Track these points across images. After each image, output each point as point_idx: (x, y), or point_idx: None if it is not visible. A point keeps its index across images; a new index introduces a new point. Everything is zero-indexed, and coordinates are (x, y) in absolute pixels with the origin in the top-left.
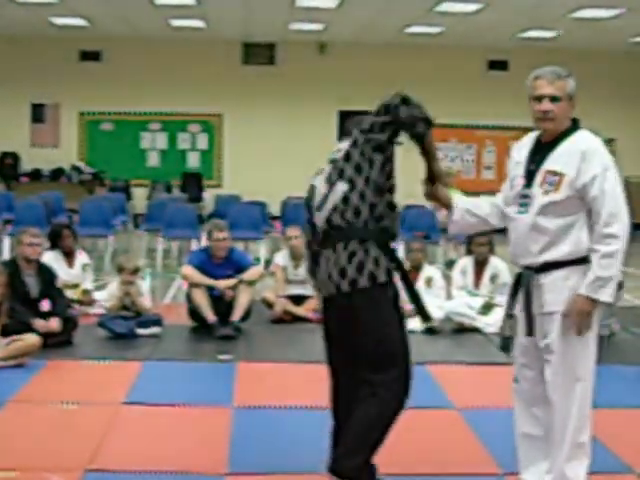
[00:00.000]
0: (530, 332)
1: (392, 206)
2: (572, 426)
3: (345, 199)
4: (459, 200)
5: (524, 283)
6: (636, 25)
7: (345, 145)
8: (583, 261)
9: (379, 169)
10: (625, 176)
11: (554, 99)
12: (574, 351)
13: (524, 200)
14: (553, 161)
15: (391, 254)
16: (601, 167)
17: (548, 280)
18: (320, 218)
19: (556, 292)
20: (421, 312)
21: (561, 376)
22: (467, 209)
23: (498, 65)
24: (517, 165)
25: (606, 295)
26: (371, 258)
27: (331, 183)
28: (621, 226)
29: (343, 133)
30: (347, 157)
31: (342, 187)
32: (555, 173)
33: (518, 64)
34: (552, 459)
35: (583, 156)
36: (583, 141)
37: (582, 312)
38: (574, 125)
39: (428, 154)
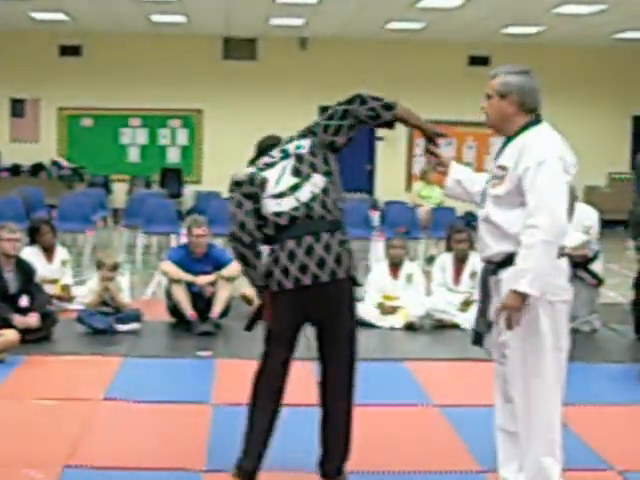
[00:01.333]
0: (485, 328)
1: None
2: (537, 422)
3: (326, 190)
4: (455, 168)
5: (482, 278)
6: (619, 21)
7: (306, 142)
8: None
9: (336, 167)
10: (608, 172)
11: (487, 96)
12: (528, 347)
13: (483, 196)
14: (504, 156)
15: None
16: (536, 160)
17: (505, 275)
18: (284, 205)
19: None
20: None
21: (517, 372)
22: (459, 180)
23: (480, 61)
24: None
25: (522, 286)
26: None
27: (303, 176)
28: (545, 218)
29: (262, 146)
30: (313, 152)
31: (322, 179)
32: (503, 168)
33: (500, 60)
34: (522, 456)
35: (522, 149)
36: (529, 135)
37: (506, 306)
38: (533, 121)
39: (408, 122)
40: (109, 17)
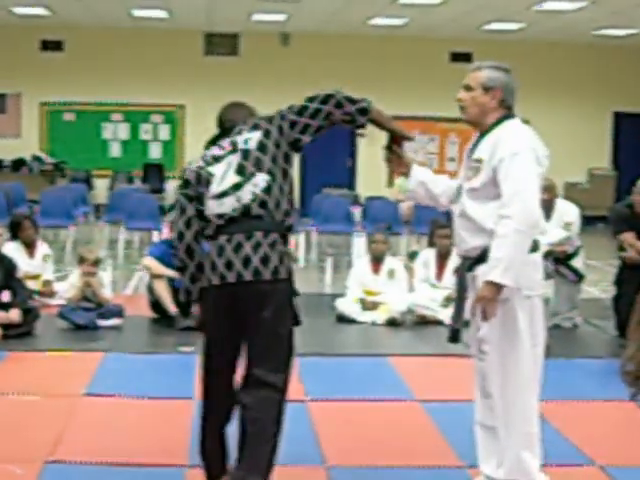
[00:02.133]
0: (457, 322)
1: (293, 204)
2: (515, 418)
3: (268, 189)
4: (417, 170)
5: (458, 273)
6: (599, 18)
7: (256, 135)
8: None
9: (291, 165)
10: (588, 168)
11: (467, 88)
12: (506, 343)
13: (458, 191)
14: (479, 150)
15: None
16: (510, 151)
17: (482, 271)
18: (226, 206)
19: None
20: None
21: (496, 368)
22: (422, 181)
23: (462, 57)
24: (465, 157)
25: (495, 276)
26: (288, 251)
27: (247, 175)
28: (518, 208)
29: (224, 125)
30: (261, 148)
31: (264, 178)
32: (478, 160)
33: (482, 56)
34: (501, 451)
35: (497, 141)
36: (504, 129)
37: (480, 297)
38: (506, 116)
39: (381, 125)
40: (91, 12)
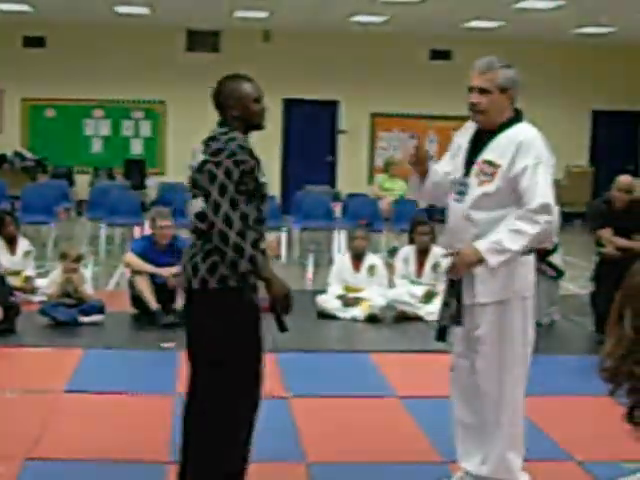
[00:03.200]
0: (459, 322)
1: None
2: (505, 417)
3: (201, 215)
4: (433, 170)
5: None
6: (578, 16)
7: (201, 156)
8: None
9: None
10: (565, 165)
11: (483, 91)
12: (508, 342)
13: (461, 188)
14: (491, 151)
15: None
16: (534, 159)
17: (480, 271)
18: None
19: (486, 283)
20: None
21: (491, 367)
22: (436, 182)
23: (441, 55)
24: (459, 149)
25: (494, 261)
26: (227, 262)
27: (193, 194)
28: (548, 218)
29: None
30: (201, 170)
31: (199, 204)
32: (491, 163)
33: (461, 54)
34: (488, 449)
35: (518, 147)
36: (521, 133)
37: (464, 260)
38: (517, 116)
39: None
40: (73, 8)
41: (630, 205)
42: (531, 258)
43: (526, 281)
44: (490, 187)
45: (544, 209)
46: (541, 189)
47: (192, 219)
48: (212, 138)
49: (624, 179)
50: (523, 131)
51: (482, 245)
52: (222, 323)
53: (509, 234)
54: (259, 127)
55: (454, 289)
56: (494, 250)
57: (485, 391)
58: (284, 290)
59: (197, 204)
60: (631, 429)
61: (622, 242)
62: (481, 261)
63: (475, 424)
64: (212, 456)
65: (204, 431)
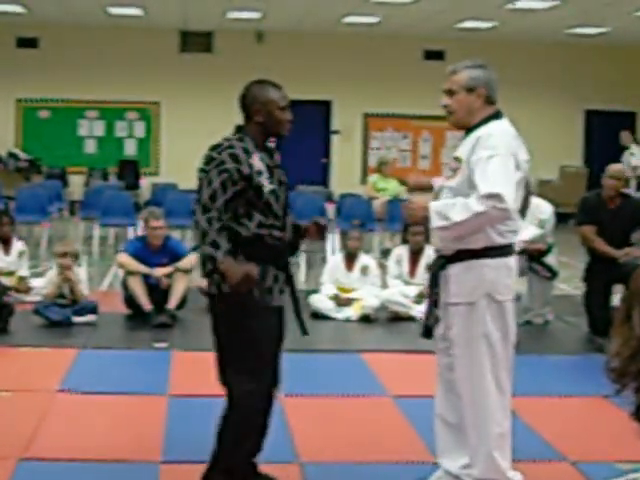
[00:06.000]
0: (434, 320)
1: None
2: (485, 419)
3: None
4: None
5: (432, 272)
6: (571, 16)
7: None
8: (487, 254)
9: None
10: (560, 166)
11: (449, 92)
12: (477, 344)
13: (441, 189)
14: (460, 148)
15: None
16: (489, 151)
17: (455, 271)
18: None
19: (459, 283)
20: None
21: (466, 369)
22: None
23: (434, 55)
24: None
25: (434, 223)
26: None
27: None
28: (495, 205)
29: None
30: (200, 184)
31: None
32: (457, 159)
33: (454, 54)
34: (472, 452)
35: (476, 141)
36: (485, 128)
37: (414, 213)
38: (494, 115)
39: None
40: (66, 9)
41: (622, 203)
42: (509, 261)
43: (503, 285)
44: (454, 182)
45: (491, 197)
46: (491, 179)
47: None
48: (216, 146)
49: (615, 166)
50: (488, 127)
51: (434, 205)
52: (239, 326)
53: (458, 206)
54: (279, 135)
55: (430, 288)
56: (439, 213)
57: (462, 392)
58: (238, 275)
59: None
60: (638, 428)
61: (600, 246)
62: (427, 218)
63: (456, 422)
64: (235, 445)
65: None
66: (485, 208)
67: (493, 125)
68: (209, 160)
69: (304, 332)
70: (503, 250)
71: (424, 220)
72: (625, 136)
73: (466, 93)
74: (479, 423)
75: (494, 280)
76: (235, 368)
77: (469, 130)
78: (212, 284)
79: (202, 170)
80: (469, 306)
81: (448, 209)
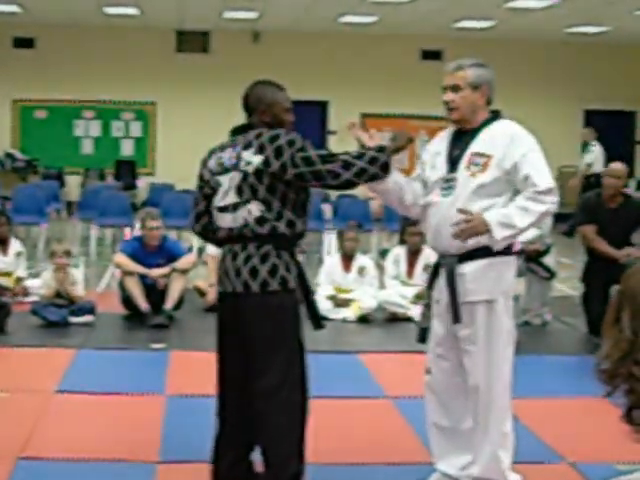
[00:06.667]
0: (457, 319)
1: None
2: (495, 415)
3: (260, 220)
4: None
5: (447, 270)
6: (570, 15)
7: (256, 160)
8: (506, 252)
9: (294, 187)
10: (559, 166)
11: (454, 88)
12: (496, 342)
13: (448, 184)
14: (478, 145)
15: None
16: (529, 147)
17: (471, 269)
18: (225, 221)
19: (478, 281)
20: (314, 318)
21: (481, 366)
22: (397, 181)
23: (432, 55)
24: (436, 155)
25: (500, 234)
26: (283, 263)
27: (244, 198)
28: (554, 200)
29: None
30: (259, 176)
31: (258, 207)
32: (481, 155)
33: (452, 54)
34: (478, 448)
35: (512, 138)
36: (509, 126)
37: (474, 229)
38: (496, 115)
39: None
40: (62, 9)
41: (622, 203)
42: (515, 260)
43: (512, 281)
44: (485, 177)
45: (551, 191)
46: (546, 173)
47: (237, 226)
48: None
49: (615, 165)
50: (511, 125)
51: (491, 217)
52: (284, 323)
53: (517, 211)
54: None
55: (434, 290)
56: (502, 223)
57: (478, 390)
58: (404, 138)
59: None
60: (629, 430)
61: (601, 246)
62: (488, 232)
63: (450, 426)
64: (293, 448)
65: (285, 426)
66: (547, 206)
67: (511, 123)
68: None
69: (318, 326)
70: (510, 248)
71: (485, 234)
72: (585, 134)
73: (471, 90)
74: (489, 422)
75: (510, 277)
76: (279, 377)
77: (475, 128)
78: (255, 282)
79: (263, 161)
80: (488, 304)
81: (510, 217)
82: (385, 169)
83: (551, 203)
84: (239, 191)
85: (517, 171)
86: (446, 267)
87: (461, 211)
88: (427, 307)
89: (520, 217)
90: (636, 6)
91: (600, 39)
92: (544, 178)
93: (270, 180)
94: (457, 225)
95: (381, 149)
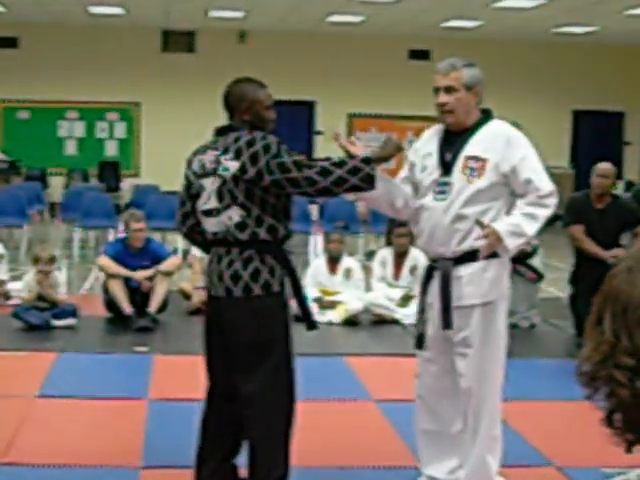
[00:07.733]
0: (448, 325)
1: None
2: (486, 419)
3: (240, 225)
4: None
5: (443, 274)
6: (557, 15)
7: (233, 166)
8: (500, 253)
9: (273, 193)
10: (547, 167)
11: (449, 90)
12: (491, 344)
13: (442, 188)
14: (472, 147)
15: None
16: (526, 150)
17: (467, 272)
18: (209, 224)
19: (475, 284)
20: (307, 318)
21: (477, 369)
22: (387, 182)
23: (420, 55)
24: (427, 157)
25: (512, 244)
26: (267, 267)
27: (224, 203)
28: (554, 201)
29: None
30: (236, 182)
31: (237, 212)
32: (477, 158)
33: (440, 54)
34: (467, 451)
35: (508, 141)
36: (504, 128)
37: (493, 247)
38: (488, 115)
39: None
40: (46, 8)
41: (610, 203)
42: (509, 261)
43: (507, 283)
44: (482, 182)
45: (552, 194)
46: (545, 176)
47: (221, 230)
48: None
49: (603, 164)
50: (504, 126)
51: (501, 227)
52: (269, 327)
53: (525, 218)
54: None
55: (428, 294)
56: (513, 233)
57: (471, 393)
58: (391, 147)
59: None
60: (610, 433)
61: (589, 246)
62: (501, 243)
63: (439, 430)
64: (278, 452)
65: (271, 430)
66: (551, 209)
67: (505, 124)
68: (239, 151)
69: (312, 327)
70: None
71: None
72: None
73: (466, 91)
74: (479, 425)
75: (506, 279)
76: (265, 382)
77: (467, 130)
78: (236, 286)
79: (240, 168)
80: (485, 307)
81: (520, 226)
82: (368, 181)
83: (553, 206)
84: (219, 196)
85: (516, 175)
86: (441, 271)
87: (477, 222)
88: (422, 312)
89: (529, 225)
90: (624, 6)
91: (588, 39)
92: (545, 181)
93: (247, 186)
94: (480, 241)
95: (366, 160)
